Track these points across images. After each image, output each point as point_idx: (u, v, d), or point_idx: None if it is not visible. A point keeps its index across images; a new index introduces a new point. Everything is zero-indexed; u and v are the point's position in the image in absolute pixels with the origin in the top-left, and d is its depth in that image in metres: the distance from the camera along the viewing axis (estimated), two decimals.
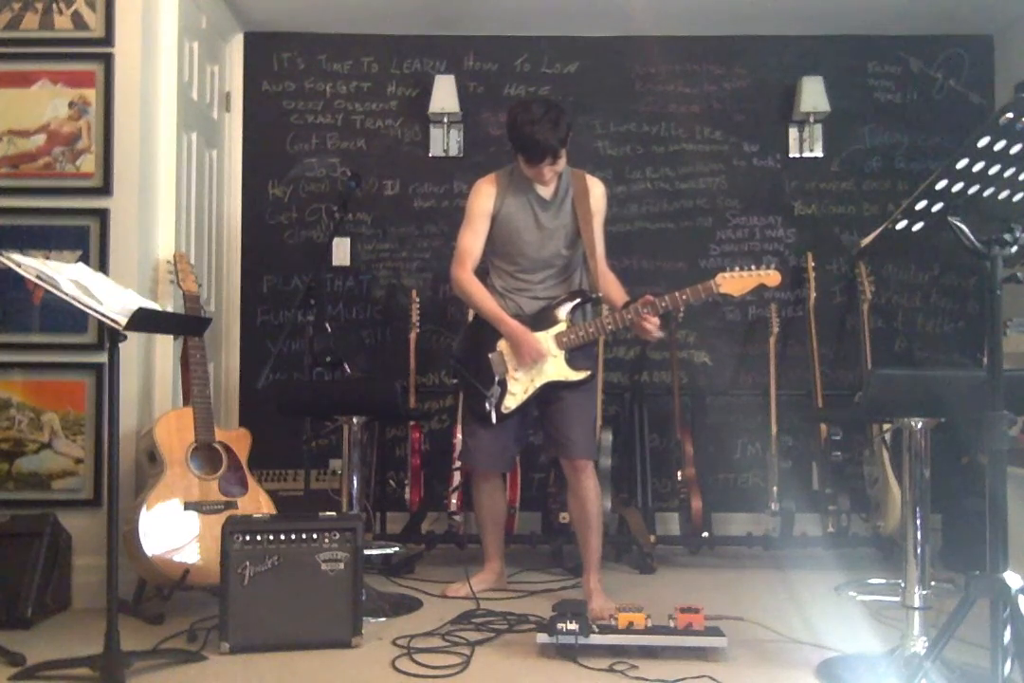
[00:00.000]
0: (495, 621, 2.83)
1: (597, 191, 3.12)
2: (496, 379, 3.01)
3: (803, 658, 2.49)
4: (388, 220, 4.35)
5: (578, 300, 3.06)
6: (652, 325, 2.92)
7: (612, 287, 3.12)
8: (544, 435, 3.23)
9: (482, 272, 3.15)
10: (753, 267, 2.91)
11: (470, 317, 3.28)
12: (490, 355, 3.03)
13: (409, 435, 4.02)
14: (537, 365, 2.97)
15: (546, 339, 2.99)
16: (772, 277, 2.89)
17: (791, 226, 4.34)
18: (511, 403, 3.00)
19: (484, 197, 3.07)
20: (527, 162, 2.95)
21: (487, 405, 2.98)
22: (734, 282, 2.88)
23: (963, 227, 1.80)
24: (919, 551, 2.27)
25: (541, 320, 3.03)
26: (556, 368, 2.99)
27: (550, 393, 3.01)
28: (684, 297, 2.88)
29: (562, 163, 2.97)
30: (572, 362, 3.00)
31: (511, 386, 3.00)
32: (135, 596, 3.00)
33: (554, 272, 3.11)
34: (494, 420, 2.99)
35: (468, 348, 3.14)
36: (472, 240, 3.07)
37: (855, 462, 3.90)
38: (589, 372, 3.01)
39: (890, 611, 2.84)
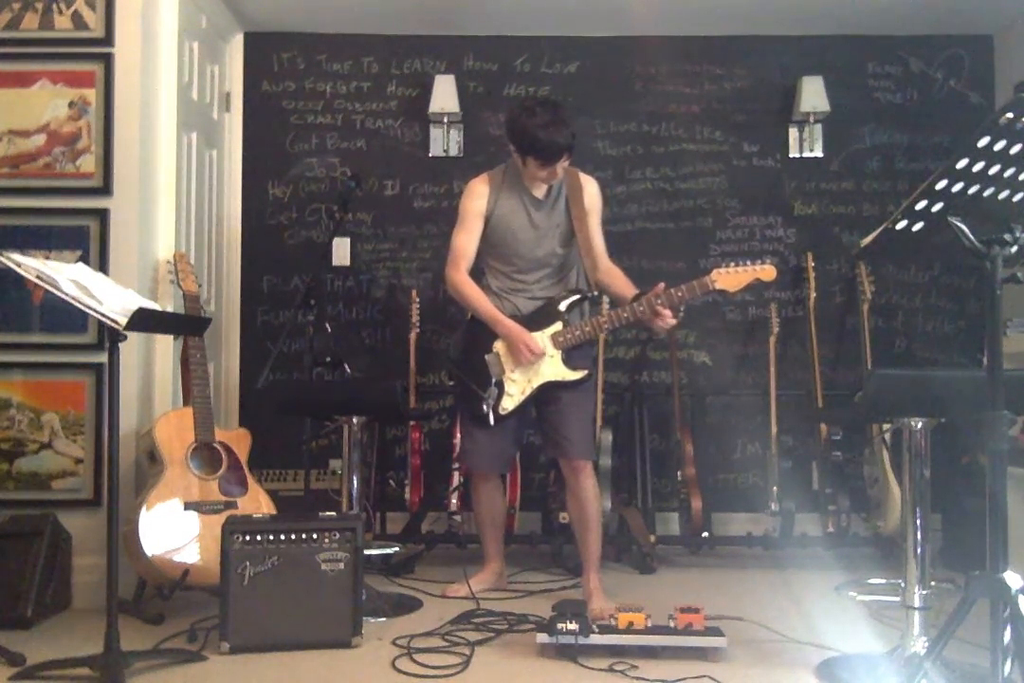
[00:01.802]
0: (495, 621, 2.83)
1: (591, 188, 3.10)
2: (493, 380, 2.99)
3: (803, 658, 2.49)
4: (388, 220, 4.35)
5: (576, 297, 3.03)
6: (666, 317, 2.86)
7: (619, 281, 3.07)
8: (542, 436, 3.21)
9: (477, 273, 3.14)
10: (748, 262, 2.88)
11: (468, 317, 3.27)
12: (486, 356, 3.01)
13: (409, 435, 4.01)
14: (534, 365, 2.97)
15: (542, 339, 2.97)
16: (767, 272, 2.87)
17: (791, 226, 4.34)
18: (508, 404, 2.98)
19: (477, 197, 3.06)
20: (542, 163, 2.90)
21: (484, 407, 2.97)
22: (729, 277, 2.86)
23: (963, 227, 1.79)
24: (919, 551, 2.27)
25: (537, 320, 3.01)
26: (553, 368, 2.98)
27: (548, 393, 3.00)
28: (680, 294, 2.86)
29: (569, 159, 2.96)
30: (569, 362, 2.98)
31: (508, 387, 2.99)
32: (135, 596, 3.00)
33: (550, 271, 3.10)
34: (491, 422, 2.98)
35: (464, 349, 3.12)
36: (466, 240, 3.06)
37: (855, 462, 3.90)
38: (586, 372, 3.00)
39: (890, 611, 2.84)
